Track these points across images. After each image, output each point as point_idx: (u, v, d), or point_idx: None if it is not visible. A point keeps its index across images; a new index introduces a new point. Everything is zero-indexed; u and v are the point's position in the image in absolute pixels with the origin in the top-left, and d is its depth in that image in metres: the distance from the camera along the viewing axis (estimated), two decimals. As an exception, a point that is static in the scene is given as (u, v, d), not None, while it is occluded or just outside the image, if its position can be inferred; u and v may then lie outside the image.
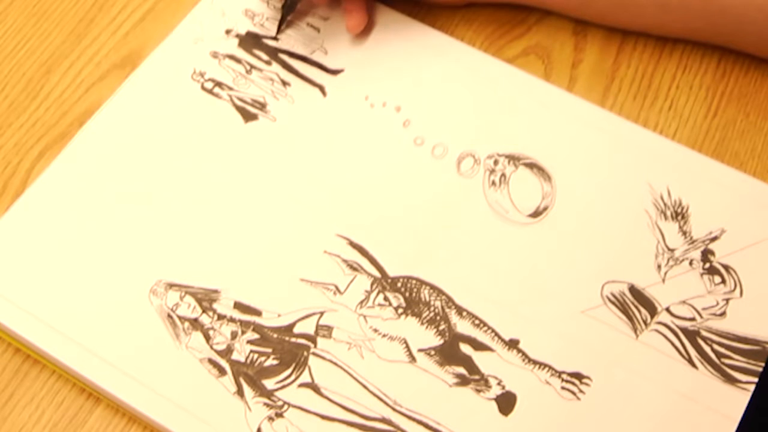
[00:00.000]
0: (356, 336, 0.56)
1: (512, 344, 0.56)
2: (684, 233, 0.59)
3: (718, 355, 0.56)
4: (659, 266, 0.58)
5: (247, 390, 0.55)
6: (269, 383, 0.55)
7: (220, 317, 0.57)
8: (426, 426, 0.54)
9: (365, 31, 0.66)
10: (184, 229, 0.60)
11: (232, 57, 0.66)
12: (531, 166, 0.62)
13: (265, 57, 0.66)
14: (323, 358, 0.56)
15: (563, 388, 0.55)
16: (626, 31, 0.67)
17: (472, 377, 0.55)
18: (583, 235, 0.59)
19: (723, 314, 0.57)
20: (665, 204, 0.60)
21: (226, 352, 0.56)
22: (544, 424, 0.54)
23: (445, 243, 0.59)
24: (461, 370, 0.56)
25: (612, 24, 0.66)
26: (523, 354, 0.56)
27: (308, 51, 0.66)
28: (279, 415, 0.54)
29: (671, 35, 0.66)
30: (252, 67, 0.66)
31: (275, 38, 0.66)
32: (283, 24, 0.66)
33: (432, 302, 0.57)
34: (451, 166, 0.62)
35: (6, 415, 0.56)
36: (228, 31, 0.67)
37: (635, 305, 0.57)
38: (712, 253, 0.58)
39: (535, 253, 0.59)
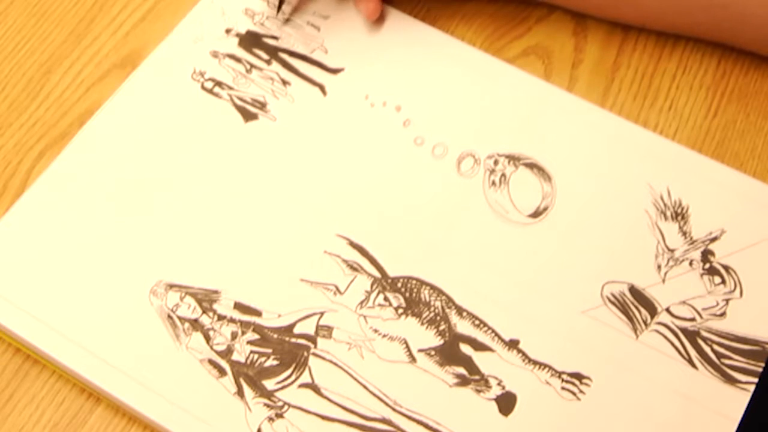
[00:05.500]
0: (356, 336, 0.56)
1: (512, 344, 0.56)
2: (684, 233, 0.59)
3: (718, 355, 0.56)
4: (659, 266, 0.58)
5: (248, 390, 0.55)
6: (269, 384, 0.55)
7: (221, 318, 0.57)
8: (426, 426, 0.54)
9: (367, 28, 0.66)
10: (184, 230, 0.60)
11: (232, 56, 0.66)
12: (531, 166, 0.62)
13: (265, 56, 0.66)
14: (323, 358, 0.56)
15: (563, 388, 0.55)
16: (626, 27, 0.66)
17: (473, 377, 0.55)
18: (583, 236, 0.59)
19: (723, 314, 0.57)
20: (665, 204, 0.60)
21: (227, 353, 0.56)
22: (545, 424, 0.54)
23: (445, 243, 0.59)
24: (461, 370, 0.56)
25: (612, 17, 0.66)
26: (523, 354, 0.56)
27: (308, 50, 0.66)
28: (279, 415, 0.54)
29: (671, 30, 0.66)
30: (252, 66, 0.66)
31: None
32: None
33: (432, 302, 0.57)
34: (451, 166, 0.62)
35: (6, 415, 0.56)
36: (228, 31, 0.67)
37: (635, 305, 0.57)
38: (712, 253, 0.58)
39: (535, 254, 0.59)
